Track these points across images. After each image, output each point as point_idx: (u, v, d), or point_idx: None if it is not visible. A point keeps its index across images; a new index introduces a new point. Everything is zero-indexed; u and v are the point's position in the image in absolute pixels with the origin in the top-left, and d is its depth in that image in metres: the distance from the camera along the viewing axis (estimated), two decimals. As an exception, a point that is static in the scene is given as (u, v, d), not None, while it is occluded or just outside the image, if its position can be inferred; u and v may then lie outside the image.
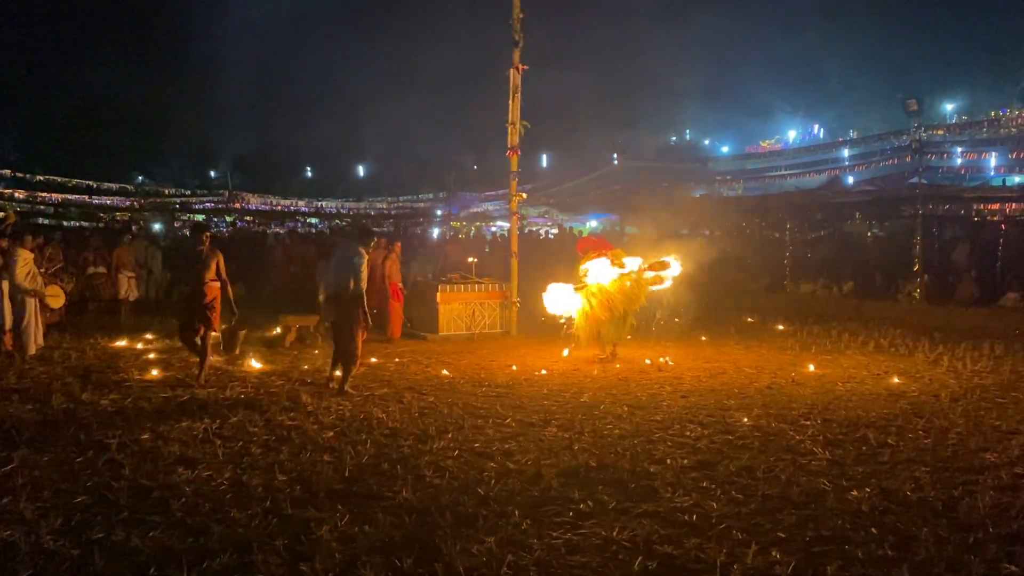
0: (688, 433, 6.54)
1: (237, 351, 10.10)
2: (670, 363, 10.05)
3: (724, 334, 12.73)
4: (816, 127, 63.92)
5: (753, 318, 14.90)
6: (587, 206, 37.38)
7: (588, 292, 10.05)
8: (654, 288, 10.45)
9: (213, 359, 8.96)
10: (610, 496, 4.94)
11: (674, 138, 68.34)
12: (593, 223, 35.65)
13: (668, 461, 5.69)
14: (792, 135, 64.78)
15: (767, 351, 11.15)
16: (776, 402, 7.77)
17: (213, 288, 8.35)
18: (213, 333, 8.62)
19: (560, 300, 10.33)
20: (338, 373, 8.25)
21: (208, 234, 8.75)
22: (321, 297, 8.24)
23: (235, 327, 9.98)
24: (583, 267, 10.19)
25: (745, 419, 7.00)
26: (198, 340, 8.39)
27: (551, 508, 4.73)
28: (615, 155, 57.87)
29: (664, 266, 10.30)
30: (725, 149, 66.04)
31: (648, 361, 10.15)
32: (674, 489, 5.09)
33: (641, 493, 5.02)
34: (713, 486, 5.16)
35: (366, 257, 8.11)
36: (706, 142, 67.75)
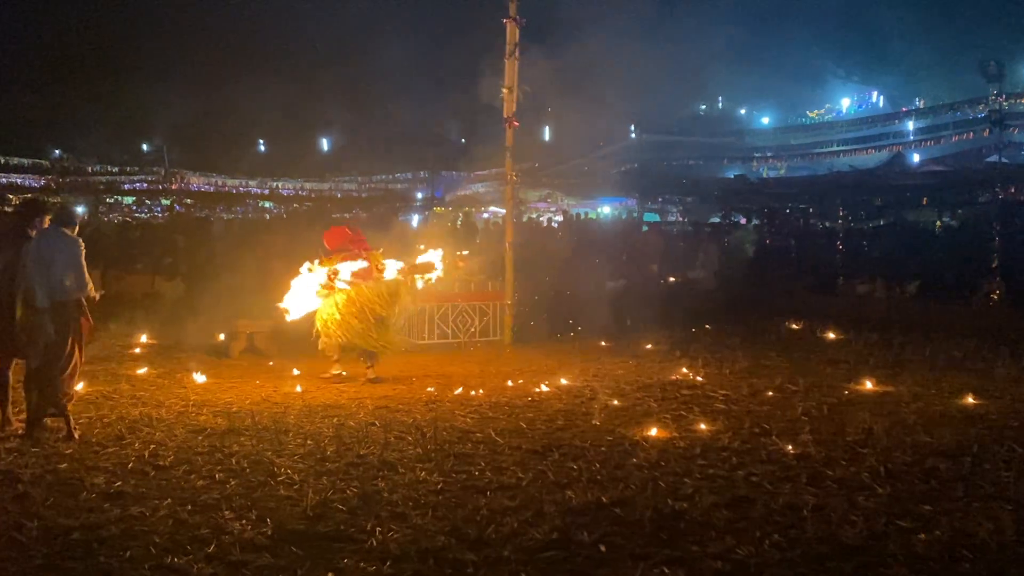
0: (721, 463, 6.55)
1: None
2: (699, 379, 10.07)
3: (764, 344, 12.75)
4: (874, 95, 64.09)
5: (798, 324, 14.93)
6: (598, 188, 37.41)
7: (337, 298, 9.70)
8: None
9: None
10: (626, 539, 4.95)
11: (703, 107, 68.41)
12: (605, 208, 35.69)
13: (696, 497, 5.70)
14: (846, 104, 64.91)
15: (815, 364, 11.17)
16: (826, 426, 7.78)
17: None
18: None
19: (303, 299, 9.84)
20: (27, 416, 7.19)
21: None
22: (22, 311, 6.99)
23: None
24: (332, 268, 9.78)
25: (789, 446, 7.02)
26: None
27: (555, 553, 4.73)
28: (632, 127, 57.91)
29: (429, 268, 10.42)
30: (765, 120, 66.14)
31: (675, 377, 10.17)
32: (703, 531, 5.09)
33: (664, 536, 5.03)
34: (750, 527, 5.17)
35: (82, 242, 7.24)
36: (742, 112, 67.81)
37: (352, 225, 11.02)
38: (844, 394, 9.30)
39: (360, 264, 9.83)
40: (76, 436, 7.02)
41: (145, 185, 39.40)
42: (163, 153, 40.60)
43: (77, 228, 7.42)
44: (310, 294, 9.84)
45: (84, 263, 7.20)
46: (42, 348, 7.00)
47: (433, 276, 10.58)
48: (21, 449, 6.67)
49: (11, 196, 32.95)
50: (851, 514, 5.41)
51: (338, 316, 9.70)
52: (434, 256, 10.63)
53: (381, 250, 10.26)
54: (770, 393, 9.34)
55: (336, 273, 9.72)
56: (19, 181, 37.13)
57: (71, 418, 7.17)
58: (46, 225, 7.37)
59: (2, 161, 37.91)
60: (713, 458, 6.69)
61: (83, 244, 7.28)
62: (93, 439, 7.02)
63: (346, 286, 9.74)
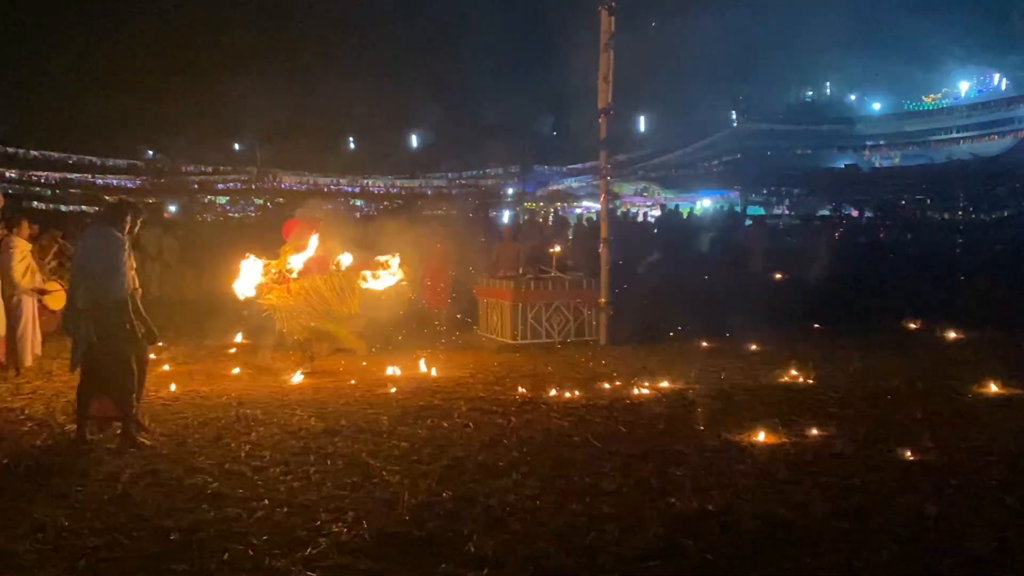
0: (834, 470, 6.40)
1: None
2: (810, 381, 9.87)
3: (879, 343, 12.42)
4: (996, 77, 61.76)
5: (916, 323, 14.51)
6: (697, 181, 37.04)
7: (291, 289, 10.40)
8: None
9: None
10: (734, 549, 4.88)
11: (810, 93, 66.99)
12: (705, 201, 35.30)
13: (808, 506, 5.58)
14: (964, 88, 62.70)
15: (935, 365, 10.83)
16: (948, 431, 7.54)
17: None
18: None
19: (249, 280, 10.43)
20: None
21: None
22: (66, 312, 7.41)
23: None
24: (289, 259, 10.55)
25: (908, 453, 6.82)
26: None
27: (659, 563, 4.70)
28: (733, 116, 57.08)
29: (383, 266, 11.01)
30: (877, 107, 64.35)
31: (783, 379, 10.00)
32: (816, 542, 4.99)
33: (774, 546, 4.94)
34: (868, 539, 5.04)
35: (127, 244, 7.29)
36: (852, 98, 66.13)
37: (306, 216, 12.04)
38: (967, 397, 8.99)
39: (308, 254, 10.58)
40: (147, 442, 7.13)
41: (239, 185, 40.51)
42: (256, 152, 41.68)
43: (128, 227, 7.40)
44: (255, 277, 10.41)
45: (124, 264, 7.14)
46: (84, 350, 7.14)
47: (387, 279, 11.00)
48: (120, 450, 6.94)
49: (107, 197, 34.33)
50: (977, 525, 5.24)
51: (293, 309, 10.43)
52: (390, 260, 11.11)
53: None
54: (886, 396, 9.11)
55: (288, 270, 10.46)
56: (115, 182, 38.56)
57: (137, 423, 7.30)
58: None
59: (98, 162, 39.41)
60: (825, 465, 6.55)
61: (127, 245, 7.31)
62: (190, 440, 7.26)
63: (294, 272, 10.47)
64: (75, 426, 7.37)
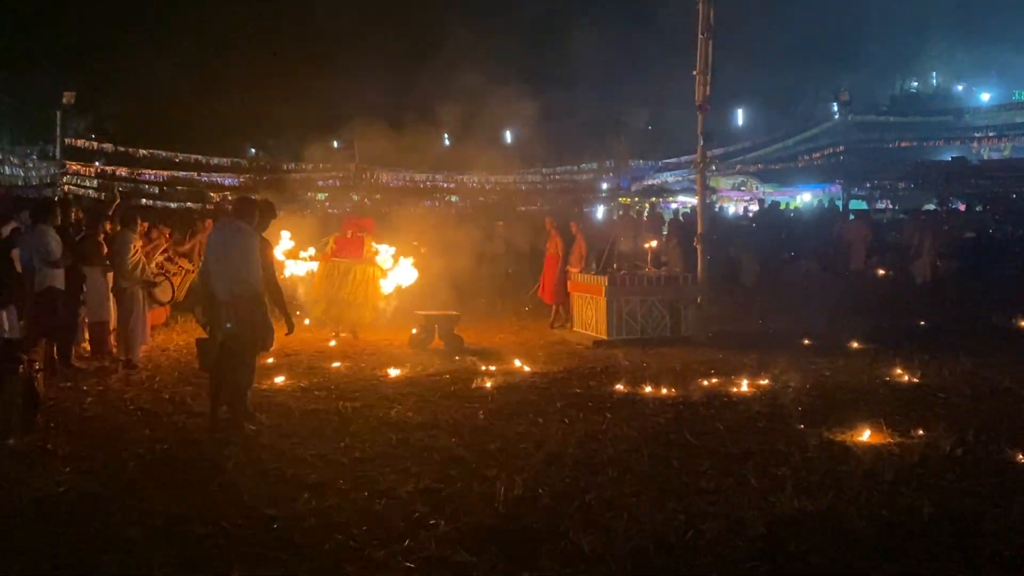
0: (942, 473, 6.21)
1: None
2: (915, 380, 9.59)
3: (988, 342, 11.98)
4: (1117, 63, 58.83)
5: (1028, 323, 13.97)
6: (798, 174, 36.27)
7: (337, 267, 12.76)
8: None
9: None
10: (838, 552, 4.78)
11: (915, 83, 64.99)
12: (806, 196, 34.55)
13: (914, 509, 5.43)
14: (1082, 75, 59.94)
15: (1049, 366, 10.40)
16: (1065, 435, 7.22)
17: None
18: None
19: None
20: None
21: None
22: (203, 304, 7.83)
23: None
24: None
25: (1020, 456, 6.58)
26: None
27: (760, 564, 4.63)
28: (835, 107, 55.70)
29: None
30: (986, 97, 62.04)
31: (888, 378, 9.73)
32: (924, 546, 4.86)
33: (880, 550, 4.82)
34: (979, 544, 4.88)
35: (261, 239, 7.55)
36: (959, 88, 63.93)
37: (354, 218, 14.81)
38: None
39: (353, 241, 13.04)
40: (251, 428, 7.41)
41: (337, 182, 41.16)
42: (353, 149, 42.27)
43: (256, 222, 7.72)
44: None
45: (257, 257, 7.44)
46: (220, 340, 7.44)
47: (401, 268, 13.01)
48: (226, 440, 7.14)
49: (212, 194, 35.27)
50: (1098, 535, 5.01)
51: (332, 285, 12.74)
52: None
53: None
54: (996, 396, 8.79)
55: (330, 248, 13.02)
56: (219, 180, 39.58)
57: (248, 411, 7.59)
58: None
59: (203, 161, 40.50)
60: (933, 467, 6.36)
61: (257, 238, 7.57)
62: (292, 431, 7.43)
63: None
64: (182, 416, 7.64)
